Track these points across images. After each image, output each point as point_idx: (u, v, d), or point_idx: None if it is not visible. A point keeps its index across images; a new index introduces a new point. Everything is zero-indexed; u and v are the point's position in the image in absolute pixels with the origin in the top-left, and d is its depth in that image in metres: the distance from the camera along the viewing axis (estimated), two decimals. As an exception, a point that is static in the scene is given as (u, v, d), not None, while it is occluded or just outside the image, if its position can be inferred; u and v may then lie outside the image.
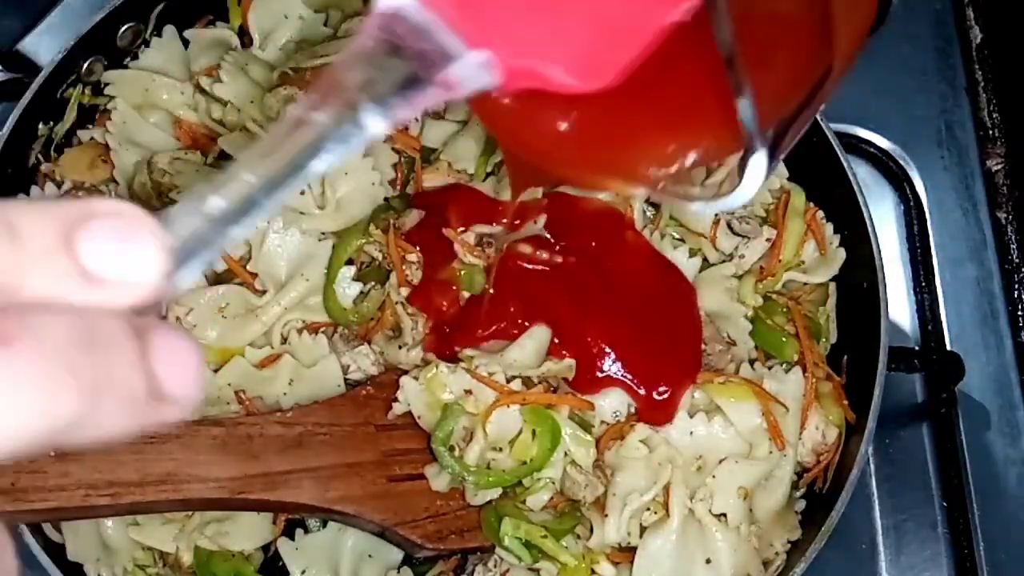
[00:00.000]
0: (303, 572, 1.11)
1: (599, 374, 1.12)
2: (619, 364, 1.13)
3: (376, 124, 0.52)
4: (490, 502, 1.09)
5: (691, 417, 1.14)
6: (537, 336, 1.13)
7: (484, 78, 0.56)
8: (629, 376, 1.13)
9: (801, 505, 1.18)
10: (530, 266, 1.17)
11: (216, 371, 1.14)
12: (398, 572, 1.13)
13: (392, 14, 0.53)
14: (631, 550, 1.10)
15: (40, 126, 1.23)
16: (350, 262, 1.19)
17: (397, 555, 1.14)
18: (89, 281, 0.40)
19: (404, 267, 1.18)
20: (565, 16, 0.58)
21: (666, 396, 1.13)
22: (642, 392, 1.13)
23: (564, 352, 1.13)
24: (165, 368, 0.42)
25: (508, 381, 1.10)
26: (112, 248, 0.41)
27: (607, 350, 1.13)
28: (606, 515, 1.09)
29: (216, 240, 0.46)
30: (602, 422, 1.13)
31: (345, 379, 1.16)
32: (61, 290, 0.40)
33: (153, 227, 0.42)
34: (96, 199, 0.42)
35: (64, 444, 0.40)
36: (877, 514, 1.33)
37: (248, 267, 1.18)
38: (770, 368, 1.19)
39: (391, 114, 0.53)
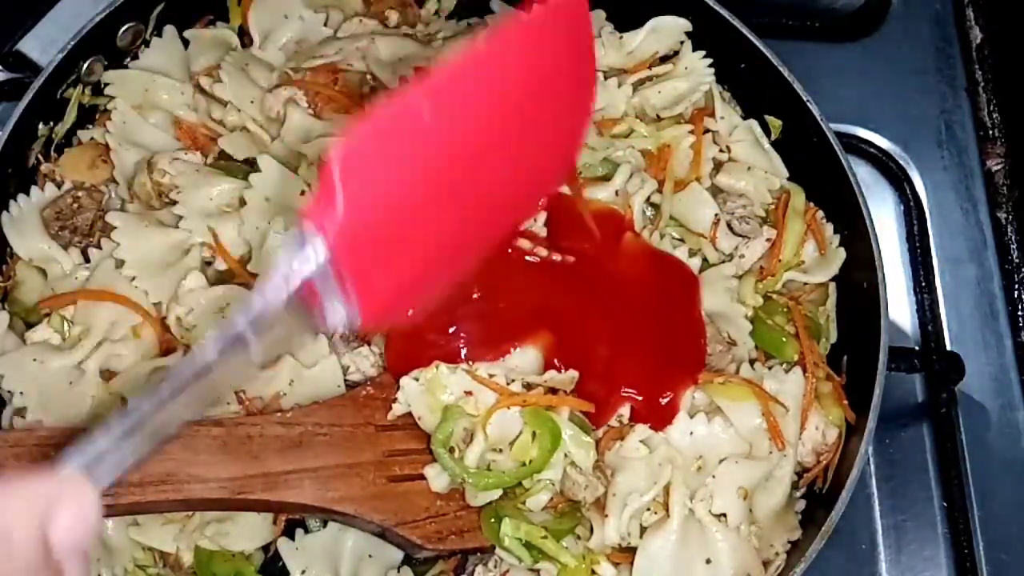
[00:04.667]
0: (303, 572, 1.11)
1: (611, 398, 1.13)
2: (627, 383, 1.14)
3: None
4: (490, 503, 1.09)
5: (691, 417, 1.14)
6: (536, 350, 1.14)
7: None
8: (635, 391, 1.14)
9: (801, 505, 1.18)
10: (529, 258, 1.18)
11: (216, 371, 1.14)
12: (398, 572, 1.13)
13: (306, 280, 0.66)
14: (631, 550, 1.10)
15: (40, 126, 1.23)
16: (350, 262, 1.18)
17: (397, 555, 1.14)
18: (55, 569, 0.53)
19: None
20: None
21: (669, 400, 1.13)
22: (646, 399, 1.13)
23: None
24: None
25: (508, 383, 1.10)
26: (73, 532, 0.53)
27: (618, 374, 1.14)
28: (606, 516, 1.09)
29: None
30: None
31: (345, 380, 1.16)
32: None
33: (96, 503, 0.55)
34: (57, 482, 0.54)
35: None
36: (877, 514, 1.33)
37: (249, 267, 1.18)
38: (770, 368, 1.19)
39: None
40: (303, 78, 1.28)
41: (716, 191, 1.29)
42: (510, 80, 0.74)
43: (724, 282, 1.23)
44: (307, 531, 1.14)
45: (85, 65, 1.25)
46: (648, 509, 1.11)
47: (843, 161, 1.23)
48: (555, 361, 1.13)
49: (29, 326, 1.18)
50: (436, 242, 0.75)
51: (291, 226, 1.17)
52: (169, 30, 1.32)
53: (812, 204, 1.29)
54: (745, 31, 1.30)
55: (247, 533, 1.12)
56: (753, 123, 1.33)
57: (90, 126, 1.30)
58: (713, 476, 1.12)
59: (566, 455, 1.10)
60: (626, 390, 1.13)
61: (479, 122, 0.73)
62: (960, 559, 1.29)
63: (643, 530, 1.10)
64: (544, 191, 0.86)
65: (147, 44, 1.31)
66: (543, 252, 1.18)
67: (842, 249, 1.27)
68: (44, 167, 1.26)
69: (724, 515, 1.11)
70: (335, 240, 0.66)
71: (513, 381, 1.10)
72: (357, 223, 0.66)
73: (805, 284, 1.27)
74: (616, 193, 1.24)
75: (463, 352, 1.12)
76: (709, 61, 1.35)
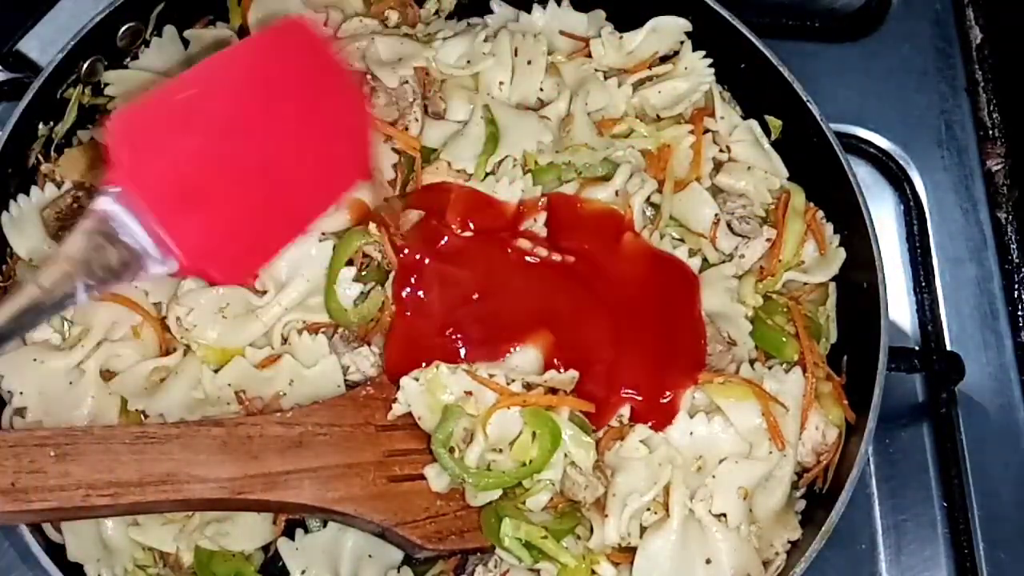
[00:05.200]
0: (303, 572, 1.12)
1: (611, 398, 1.13)
2: (627, 383, 1.14)
3: (85, 296, 0.84)
4: (490, 503, 1.09)
5: (691, 417, 1.14)
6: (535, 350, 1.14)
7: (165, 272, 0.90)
8: (635, 391, 1.14)
9: (801, 505, 1.18)
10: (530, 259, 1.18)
11: (216, 371, 1.14)
12: (398, 572, 1.13)
13: (107, 213, 0.85)
14: (631, 550, 1.10)
15: (40, 126, 1.23)
16: (350, 263, 1.18)
17: (397, 555, 1.14)
18: None
19: (404, 267, 1.18)
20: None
21: (669, 400, 1.13)
22: (646, 399, 1.13)
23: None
24: None
25: (508, 383, 1.10)
26: None
27: (618, 374, 1.14)
28: (606, 516, 1.09)
29: None
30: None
31: (345, 380, 1.16)
32: None
33: None
34: None
35: None
36: (877, 514, 1.33)
37: (248, 267, 1.18)
38: (770, 368, 1.19)
39: (99, 289, 0.86)
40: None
41: (716, 191, 1.29)
42: (252, 82, 0.97)
43: (724, 282, 1.23)
44: (307, 531, 1.15)
45: (85, 65, 1.25)
46: (648, 509, 1.11)
47: (843, 161, 1.23)
48: (555, 361, 1.13)
49: (29, 326, 1.18)
50: (242, 201, 0.94)
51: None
52: (169, 30, 1.32)
53: (812, 204, 1.29)
54: (745, 31, 1.30)
55: (247, 533, 1.12)
56: (753, 123, 1.33)
57: (90, 126, 1.29)
58: (713, 476, 1.12)
59: (566, 455, 1.10)
60: (626, 390, 1.13)
61: (234, 107, 0.95)
62: (960, 559, 1.29)
63: (643, 530, 1.10)
64: (342, 184, 1.05)
65: (147, 44, 1.31)
66: (543, 252, 1.18)
67: (842, 249, 1.27)
68: (44, 167, 1.26)
69: (724, 515, 1.11)
70: (123, 183, 0.86)
71: (513, 381, 1.10)
72: (142, 173, 0.87)
73: (805, 284, 1.27)
74: (616, 193, 1.24)
75: (463, 352, 1.12)
76: (709, 61, 1.35)
